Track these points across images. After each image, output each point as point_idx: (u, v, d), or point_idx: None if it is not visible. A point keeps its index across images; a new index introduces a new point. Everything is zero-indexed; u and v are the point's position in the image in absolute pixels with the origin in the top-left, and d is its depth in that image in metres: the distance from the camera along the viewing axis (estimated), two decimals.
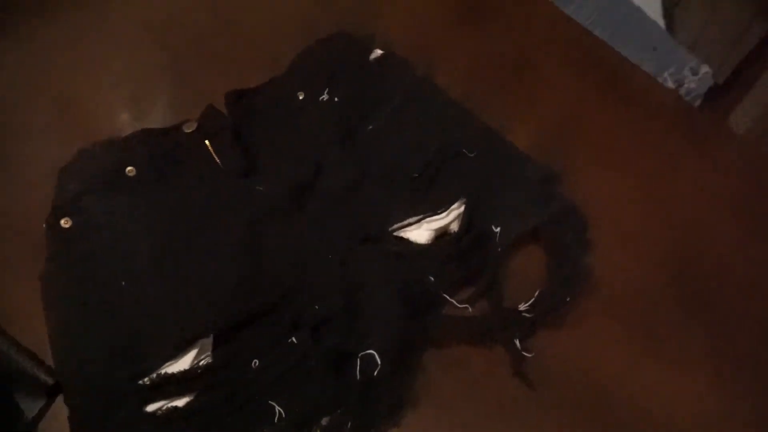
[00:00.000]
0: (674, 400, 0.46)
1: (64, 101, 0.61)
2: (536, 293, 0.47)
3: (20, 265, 0.51)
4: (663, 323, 0.49)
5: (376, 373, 0.41)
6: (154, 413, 0.42)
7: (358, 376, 0.42)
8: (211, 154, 0.54)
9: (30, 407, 0.45)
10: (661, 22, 1.04)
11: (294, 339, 0.44)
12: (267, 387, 0.43)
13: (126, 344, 0.44)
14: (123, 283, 0.47)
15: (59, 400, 0.45)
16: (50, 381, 0.45)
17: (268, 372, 0.43)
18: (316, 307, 0.45)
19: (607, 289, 0.50)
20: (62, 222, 0.50)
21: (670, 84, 0.93)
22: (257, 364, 0.43)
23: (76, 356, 0.45)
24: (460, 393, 0.45)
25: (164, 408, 0.42)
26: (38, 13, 0.66)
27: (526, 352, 0.45)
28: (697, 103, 0.86)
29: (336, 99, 0.57)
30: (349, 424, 0.41)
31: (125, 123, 0.60)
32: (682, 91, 0.92)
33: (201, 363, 0.44)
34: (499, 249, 0.48)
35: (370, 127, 0.54)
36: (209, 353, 0.45)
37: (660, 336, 0.48)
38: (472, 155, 0.52)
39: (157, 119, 0.60)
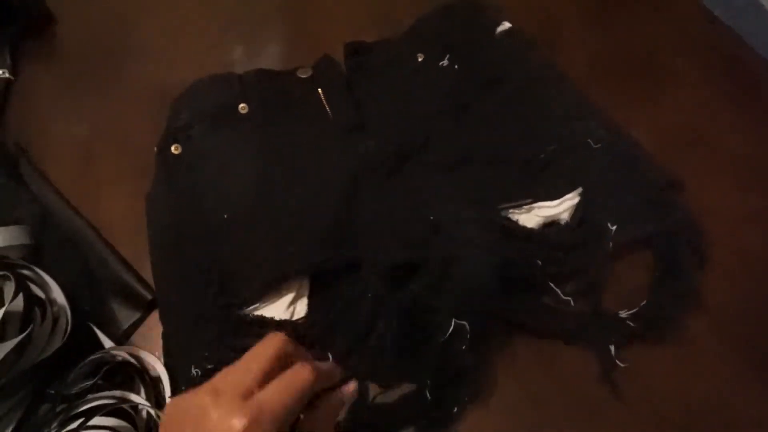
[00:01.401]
0: None
1: (176, 28, 0.62)
2: (642, 303, 0.44)
3: (124, 181, 0.53)
4: None
5: (464, 346, 0.40)
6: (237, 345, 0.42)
7: (444, 338, 0.41)
8: (323, 103, 0.53)
9: (126, 317, 0.46)
10: None
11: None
12: (349, 344, 0.43)
13: (222, 274, 0.45)
14: (225, 215, 0.48)
15: (155, 315, 0.46)
16: (148, 296, 0.46)
17: (352, 327, 0.42)
18: (397, 254, 0.44)
19: (717, 309, 0.47)
20: (173, 148, 0.51)
21: None
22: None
23: (174, 277, 0.46)
24: (548, 385, 0.43)
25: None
26: None
27: (620, 361, 0.43)
28: None
29: (456, 66, 0.55)
30: (427, 392, 0.40)
31: (235, 57, 0.60)
32: None
33: (296, 311, 0.43)
34: (611, 248, 0.45)
35: (489, 101, 0.52)
36: (305, 299, 0.44)
37: (765, 364, 0.45)
38: (597, 147, 0.49)
39: (267, 60, 0.60)
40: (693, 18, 0.66)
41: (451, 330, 0.40)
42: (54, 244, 0.48)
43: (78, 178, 0.53)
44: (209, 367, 0.41)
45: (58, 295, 0.43)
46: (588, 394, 0.43)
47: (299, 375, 0.28)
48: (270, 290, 0.44)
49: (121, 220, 0.51)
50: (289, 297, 0.45)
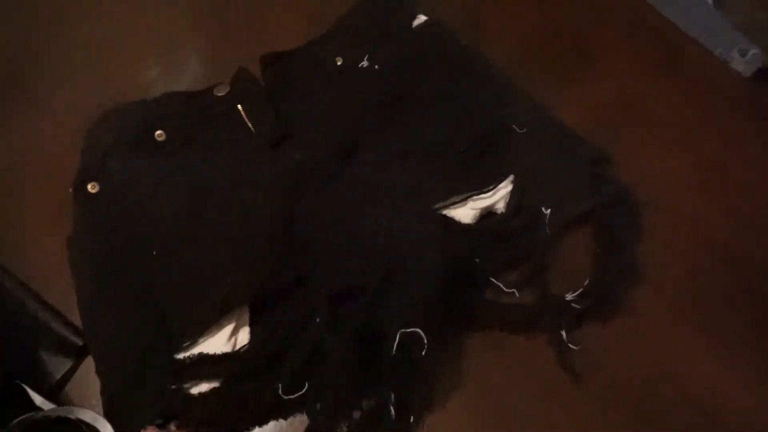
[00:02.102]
0: (722, 391, 0.43)
1: (92, 50, 0.59)
2: (585, 283, 0.44)
3: (46, 219, 0.50)
4: (715, 313, 0.46)
5: (423, 352, 0.39)
6: (186, 390, 0.40)
7: (393, 352, 0.40)
8: (244, 119, 0.52)
9: (57, 367, 0.43)
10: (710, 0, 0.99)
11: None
12: (300, 369, 0.41)
13: (158, 315, 0.43)
14: (153, 251, 0.45)
15: (88, 361, 0.44)
16: (78, 342, 0.44)
17: (300, 353, 0.41)
18: (337, 280, 0.43)
19: (660, 277, 0.47)
20: (89, 186, 0.48)
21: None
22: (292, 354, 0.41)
23: (106, 326, 0.43)
24: (502, 375, 0.43)
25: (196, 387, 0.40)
26: None
27: (572, 344, 0.43)
28: None
29: (376, 66, 0.53)
30: (391, 406, 0.39)
31: (154, 77, 0.58)
32: None
33: (238, 340, 0.42)
34: (548, 232, 0.45)
35: (415, 97, 0.51)
36: (246, 327, 0.43)
37: (711, 326, 0.46)
38: (522, 131, 0.48)
39: (186, 76, 0.58)
40: None
41: (397, 341, 0.39)
42: None
43: (1, 218, 0.50)
44: (158, 422, 0.39)
45: None
46: (544, 378, 0.43)
47: None
48: (213, 324, 0.42)
49: (44, 261, 0.47)
50: (230, 328, 0.43)
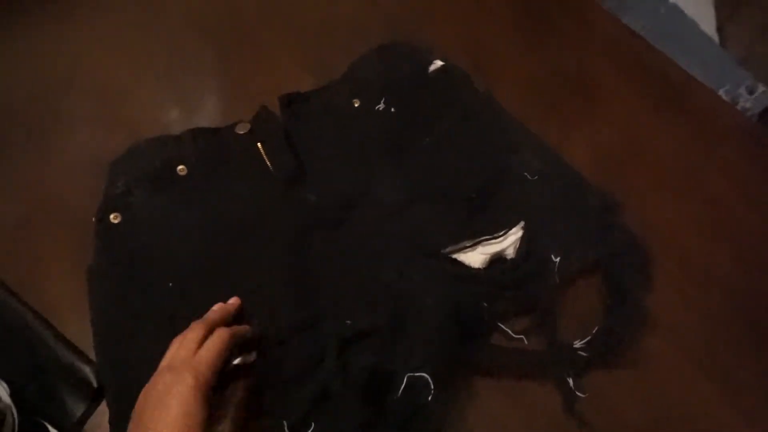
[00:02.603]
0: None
1: (108, 92, 0.60)
2: (594, 330, 0.45)
3: (65, 257, 0.50)
4: (729, 358, 0.47)
5: (430, 398, 0.40)
6: None
7: (399, 395, 0.41)
8: (263, 158, 0.53)
9: (77, 405, 0.44)
10: (716, 38, 1.01)
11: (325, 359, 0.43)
12: (305, 408, 0.42)
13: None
14: (170, 283, 0.46)
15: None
16: (95, 383, 0.44)
17: (309, 393, 0.42)
18: (348, 322, 0.44)
19: (669, 323, 0.48)
20: (111, 217, 0.49)
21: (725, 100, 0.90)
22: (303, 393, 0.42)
23: (120, 357, 0.44)
24: (511, 419, 0.44)
25: None
26: (86, 5, 0.65)
27: (580, 392, 0.43)
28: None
29: (392, 110, 0.55)
30: None
31: (171, 117, 0.59)
32: (738, 109, 0.89)
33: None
34: (558, 280, 0.46)
35: (427, 140, 0.53)
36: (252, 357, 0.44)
37: (726, 372, 0.47)
38: (534, 179, 0.50)
39: (203, 115, 0.59)
40: (617, 36, 0.69)
41: (404, 385, 0.40)
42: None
43: (16, 259, 0.50)
44: None
45: (2, 393, 0.41)
46: (555, 423, 0.44)
47: (219, 335, 0.39)
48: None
49: (63, 298, 0.48)
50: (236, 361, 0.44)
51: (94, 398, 0.44)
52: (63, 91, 0.59)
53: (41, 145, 0.56)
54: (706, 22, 1.01)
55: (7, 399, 0.41)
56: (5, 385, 0.42)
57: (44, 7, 0.64)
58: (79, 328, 0.47)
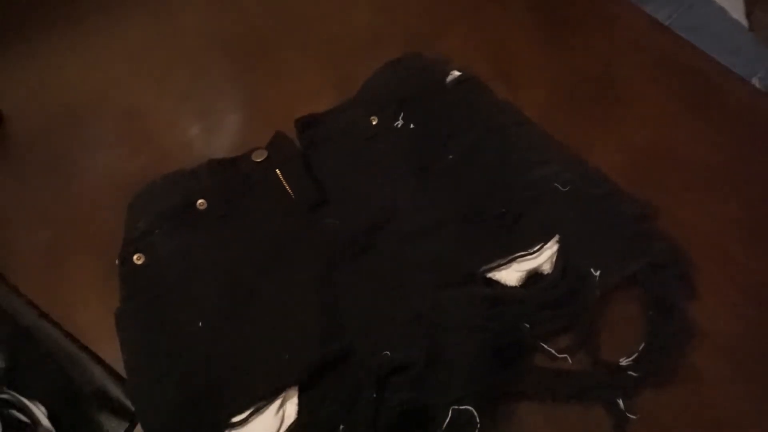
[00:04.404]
0: None
1: (132, 113, 0.61)
2: (640, 348, 0.42)
3: (97, 281, 0.50)
4: None
5: (476, 431, 0.38)
6: None
7: (443, 429, 0.39)
8: (282, 184, 0.52)
9: (114, 428, 0.44)
10: (744, 23, 0.97)
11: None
12: None
13: (204, 389, 0.43)
14: (199, 323, 0.45)
15: None
16: (132, 406, 0.44)
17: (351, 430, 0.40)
18: (387, 353, 0.42)
19: (717, 333, 0.45)
20: (135, 258, 0.49)
21: (759, 89, 0.86)
22: (342, 429, 0.40)
23: (153, 398, 0.43)
24: None
25: None
26: (106, 26, 0.67)
27: (631, 413, 0.41)
28: None
29: (411, 126, 0.53)
30: None
31: (193, 137, 0.59)
32: None
33: (286, 413, 0.41)
34: (598, 294, 0.44)
35: (451, 157, 0.51)
36: (294, 398, 0.42)
37: None
38: (565, 190, 0.47)
39: (224, 136, 0.59)
40: (644, 31, 0.66)
41: (448, 419, 0.38)
42: (32, 360, 0.46)
43: (49, 286, 0.50)
44: None
45: (41, 416, 0.41)
46: None
47: None
48: (265, 402, 0.42)
49: (97, 323, 0.48)
50: (278, 401, 0.42)
51: (131, 421, 0.44)
52: (88, 115, 0.60)
53: (67, 168, 0.57)
54: (735, 8, 0.97)
55: (46, 422, 0.41)
56: (43, 408, 0.42)
57: (69, 33, 0.66)
58: (111, 351, 0.46)
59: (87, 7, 0.69)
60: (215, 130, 0.59)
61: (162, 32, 0.67)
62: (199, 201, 0.51)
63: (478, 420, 0.38)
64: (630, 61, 0.62)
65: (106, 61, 0.64)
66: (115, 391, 0.45)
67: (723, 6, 0.93)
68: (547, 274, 0.45)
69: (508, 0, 0.68)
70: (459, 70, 0.56)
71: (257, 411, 0.42)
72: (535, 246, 0.46)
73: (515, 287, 0.45)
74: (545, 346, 0.43)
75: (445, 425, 0.38)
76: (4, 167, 0.57)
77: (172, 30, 0.67)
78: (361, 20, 0.66)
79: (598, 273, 0.44)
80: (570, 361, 0.43)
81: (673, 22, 0.75)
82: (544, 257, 0.45)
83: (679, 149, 0.56)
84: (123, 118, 0.60)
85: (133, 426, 0.44)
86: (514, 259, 0.45)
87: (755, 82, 0.85)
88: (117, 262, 0.49)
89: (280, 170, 0.52)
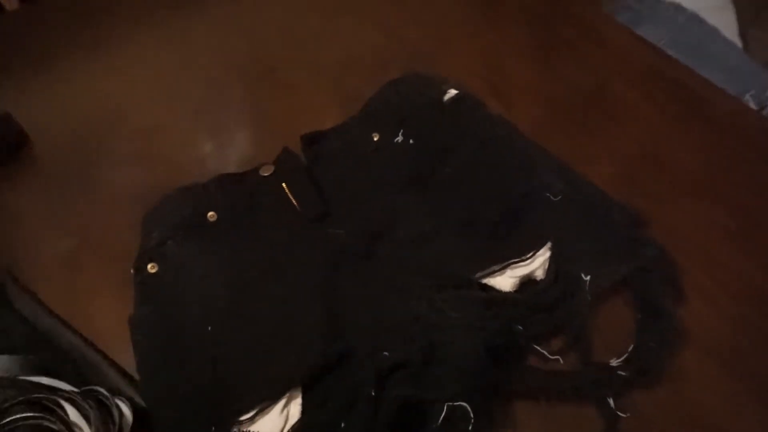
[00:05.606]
0: None
1: (148, 130, 0.64)
2: (630, 349, 0.44)
3: (115, 289, 0.52)
4: (763, 366, 0.46)
5: (470, 427, 0.40)
6: None
7: (438, 424, 0.41)
8: (289, 197, 0.55)
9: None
10: (738, 42, 0.99)
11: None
12: None
13: (213, 389, 0.45)
14: (209, 327, 0.48)
15: None
16: (143, 404, 0.45)
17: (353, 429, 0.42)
18: (385, 353, 0.44)
19: (705, 336, 0.47)
20: (149, 267, 0.51)
21: (753, 106, 0.88)
22: (343, 427, 0.42)
23: (164, 398, 0.45)
24: None
25: None
26: (127, 51, 0.72)
27: (621, 412, 0.42)
28: None
29: (411, 141, 0.56)
30: None
31: (206, 154, 0.62)
32: (765, 113, 0.88)
33: (290, 413, 0.43)
34: (589, 298, 0.46)
35: (447, 170, 0.53)
36: (298, 398, 0.44)
37: (764, 381, 0.45)
38: (557, 199, 0.50)
39: (235, 152, 0.62)
40: (634, 49, 0.69)
41: (443, 415, 0.40)
42: (50, 363, 0.47)
43: (68, 293, 0.53)
44: None
45: (125, 408, 0.43)
46: None
47: None
48: (271, 402, 0.44)
49: (115, 329, 0.49)
50: (283, 401, 0.44)
51: (143, 418, 0.45)
52: (106, 130, 0.64)
53: (86, 182, 0.60)
54: (728, 28, 1.00)
55: (128, 412, 0.43)
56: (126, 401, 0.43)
57: (91, 57, 0.71)
58: (126, 356, 0.48)
59: (108, 34, 0.74)
60: (226, 147, 0.63)
61: (179, 56, 0.71)
62: (210, 213, 0.54)
63: (471, 416, 0.39)
64: (620, 78, 0.65)
65: (126, 83, 0.69)
66: (129, 392, 0.46)
67: (716, 26, 0.96)
68: (540, 280, 0.47)
69: (504, 23, 0.72)
70: (456, 89, 0.59)
71: (263, 410, 0.44)
72: (528, 253, 0.48)
73: (510, 292, 0.47)
74: (538, 348, 0.45)
75: (440, 420, 0.40)
76: (30, 181, 0.61)
77: (188, 54, 0.71)
78: (366, 43, 0.70)
79: (588, 277, 0.46)
80: (562, 362, 0.45)
81: (666, 44, 0.78)
82: (536, 263, 0.48)
83: (666, 159, 0.58)
84: (141, 136, 0.64)
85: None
86: (508, 266, 0.48)
87: (748, 99, 0.88)
88: (132, 270, 0.52)
89: (286, 184, 0.55)
